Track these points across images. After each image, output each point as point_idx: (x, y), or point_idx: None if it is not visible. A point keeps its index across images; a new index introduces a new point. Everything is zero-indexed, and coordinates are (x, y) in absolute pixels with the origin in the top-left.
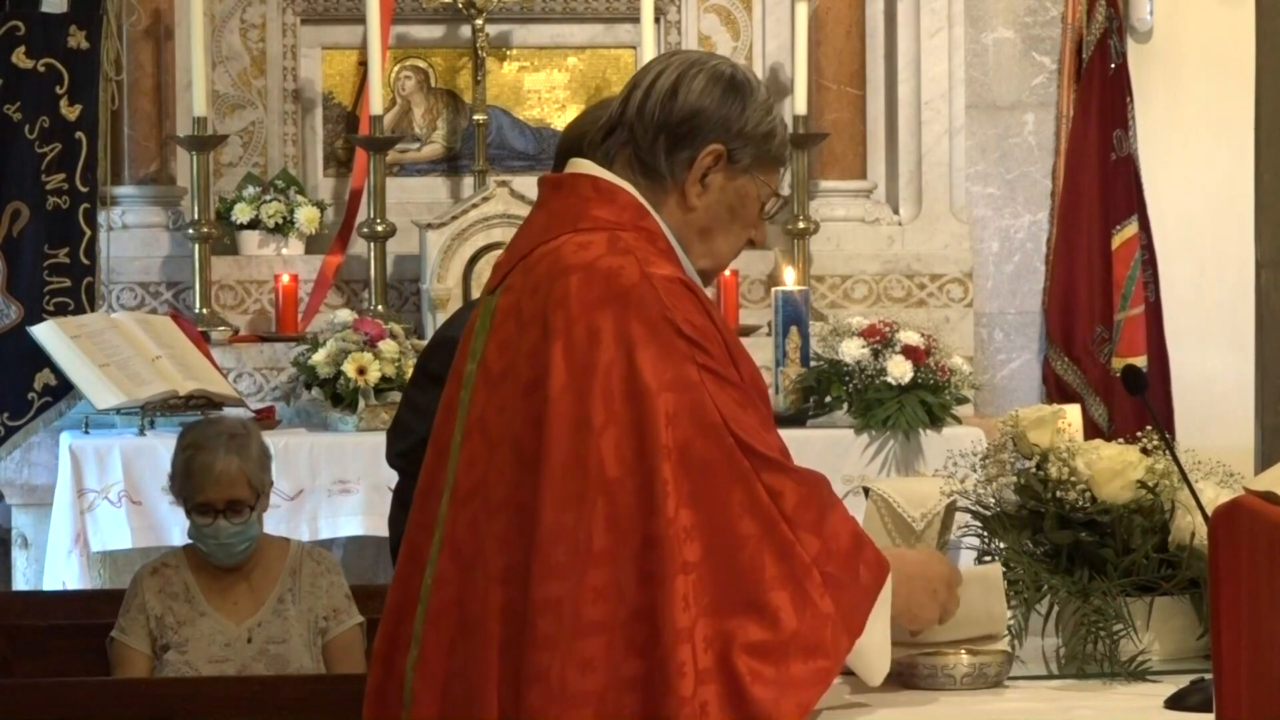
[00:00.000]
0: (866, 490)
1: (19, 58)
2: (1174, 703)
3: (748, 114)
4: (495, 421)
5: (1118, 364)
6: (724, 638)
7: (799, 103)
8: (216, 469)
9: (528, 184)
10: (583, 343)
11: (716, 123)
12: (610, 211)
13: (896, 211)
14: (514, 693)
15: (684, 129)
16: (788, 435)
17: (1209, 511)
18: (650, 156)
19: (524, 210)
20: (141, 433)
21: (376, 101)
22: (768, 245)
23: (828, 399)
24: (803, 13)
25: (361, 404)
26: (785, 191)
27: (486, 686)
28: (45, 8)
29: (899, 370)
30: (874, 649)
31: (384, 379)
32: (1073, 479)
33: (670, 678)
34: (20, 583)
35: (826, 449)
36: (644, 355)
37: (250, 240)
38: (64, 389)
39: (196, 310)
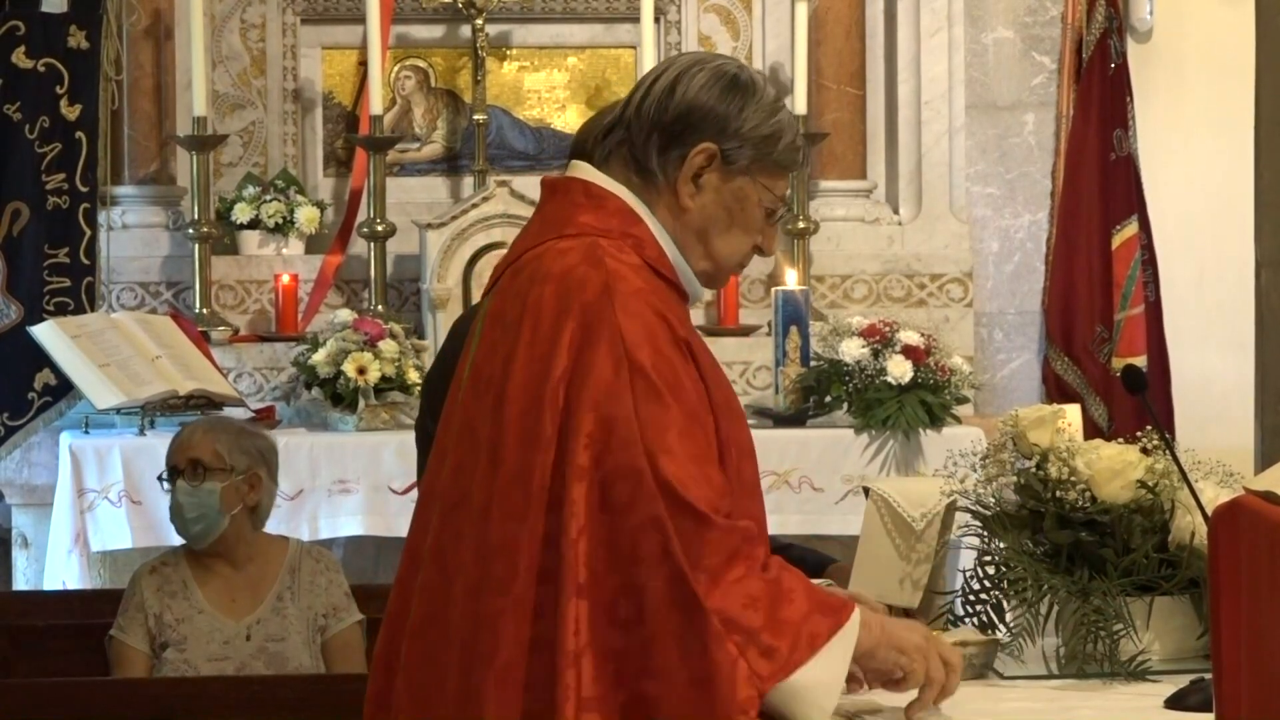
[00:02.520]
0: (866, 490)
1: (19, 57)
2: (1174, 702)
3: (746, 114)
4: (480, 428)
5: (1118, 364)
6: (614, 678)
7: (799, 103)
8: (183, 435)
9: (528, 184)
10: (543, 354)
11: (711, 121)
12: (597, 218)
13: (896, 211)
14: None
15: (677, 127)
16: (788, 435)
17: (1209, 511)
18: (643, 155)
19: (524, 210)
20: (141, 432)
21: (376, 101)
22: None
23: (828, 399)
24: (803, 13)
25: (361, 404)
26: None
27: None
28: (45, 8)
29: (899, 370)
30: (809, 690)
31: (384, 379)
32: (1073, 479)
33: (557, 701)
34: (20, 583)
35: (826, 449)
36: (588, 372)
37: (250, 240)
38: (64, 389)
39: (196, 310)
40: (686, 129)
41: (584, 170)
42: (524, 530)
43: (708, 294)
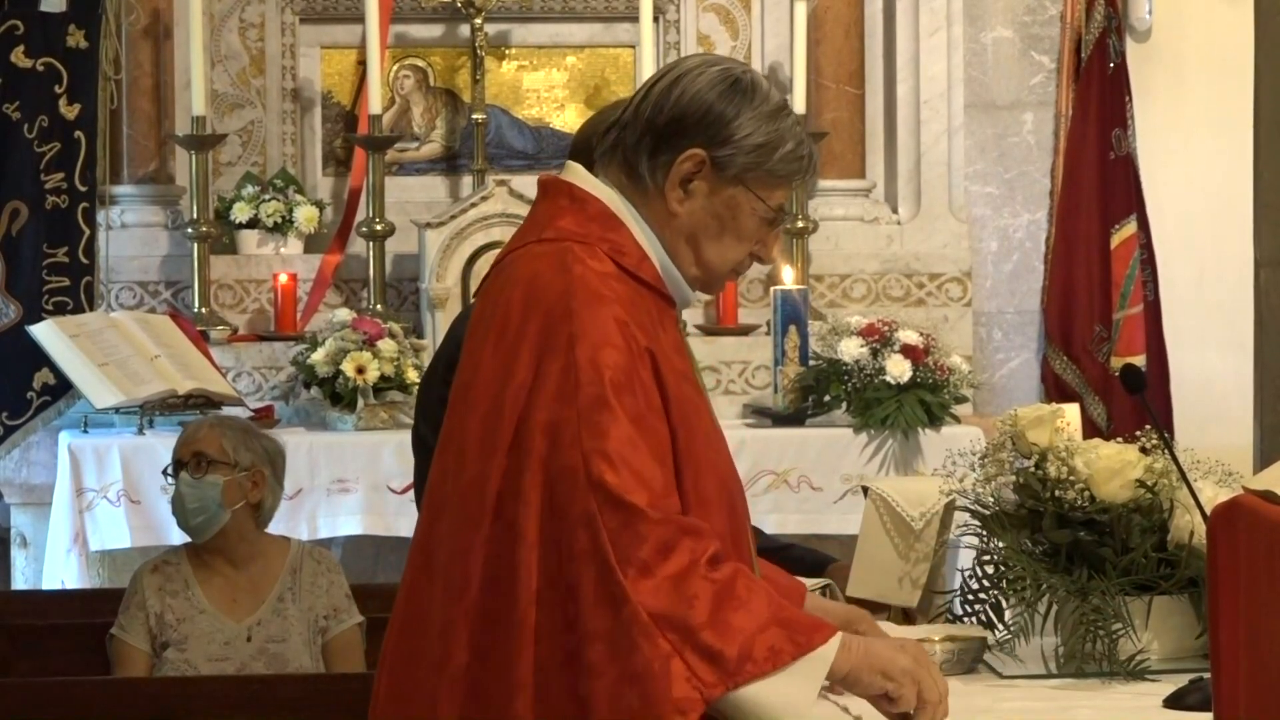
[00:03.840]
0: (865, 489)
1: (18, 57)
2: (1173, 702)
3: (741, 120)
4: (455, 432)
5: (1116, 363)
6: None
7: (798, 102)
8: (189, 430)
9: (526, 183)
10: (506, 360)
11: (704, 126)
12: (576, 222)
13: (895, 211)
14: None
15: (669, 130)
16: (786, 434)
17: (1208, 511)
18: (634, 157)
19: (523, 209)
20: (140, 432)
21: (375, 101)
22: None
23: (826, 398)
24: (801, 12)
25: (360, 403)
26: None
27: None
28: (44, 7)
29: (898, 369)
30: (766, 708)
31: (383, 378)
32: (1071, 478)
33: (516, 708)
34: (19, 582)
35: (825, 448)
36: (543, 379)
37: (249, 239)
38: (63, 388)
39: (195, 309)
40: (678, 133)
41: (573, 172)
42: (478, 536)
43: (703, 297)
